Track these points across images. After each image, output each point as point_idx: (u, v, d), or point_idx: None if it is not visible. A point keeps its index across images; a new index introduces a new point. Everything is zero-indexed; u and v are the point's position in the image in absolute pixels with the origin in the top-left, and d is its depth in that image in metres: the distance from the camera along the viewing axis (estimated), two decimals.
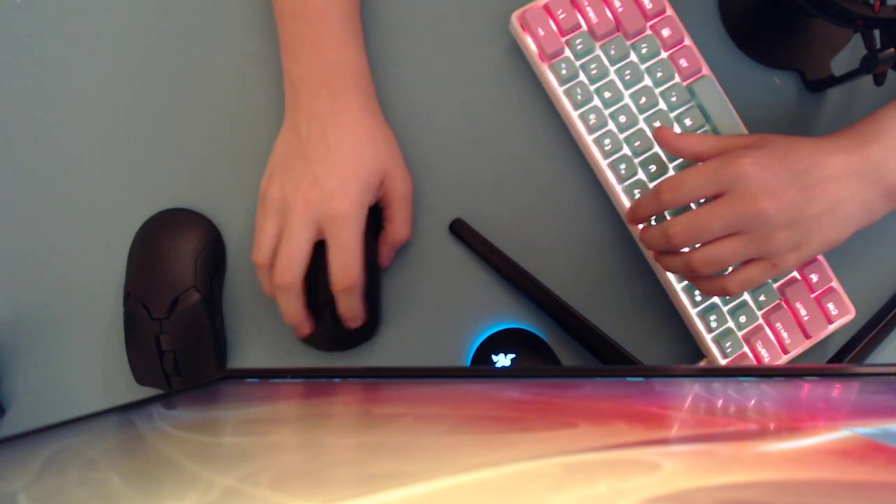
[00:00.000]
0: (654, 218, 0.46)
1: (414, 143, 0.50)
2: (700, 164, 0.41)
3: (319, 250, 0.44)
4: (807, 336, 0.47)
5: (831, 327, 0.48)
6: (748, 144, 0.41)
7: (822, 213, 0.39)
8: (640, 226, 0.47)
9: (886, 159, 0.40)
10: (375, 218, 0.47)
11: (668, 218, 0.47)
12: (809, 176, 0.39)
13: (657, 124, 0.48)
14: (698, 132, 0.48)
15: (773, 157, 0.39)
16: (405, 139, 0.50)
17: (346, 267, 0.43)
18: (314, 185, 0.43)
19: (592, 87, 0.48)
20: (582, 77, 0.48)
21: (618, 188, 0.48)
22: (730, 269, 0.42)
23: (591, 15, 0.48)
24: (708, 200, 0.40)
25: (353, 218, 0.43)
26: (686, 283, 0.47)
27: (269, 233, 0.44)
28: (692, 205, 0.45)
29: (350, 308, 0.45)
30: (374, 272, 0.47)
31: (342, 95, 0.45)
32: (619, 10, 0.48)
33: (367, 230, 0.45)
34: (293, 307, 0.45)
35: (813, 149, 0.40)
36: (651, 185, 0.48)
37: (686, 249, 0.42)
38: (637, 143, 0.48)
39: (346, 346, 0.49)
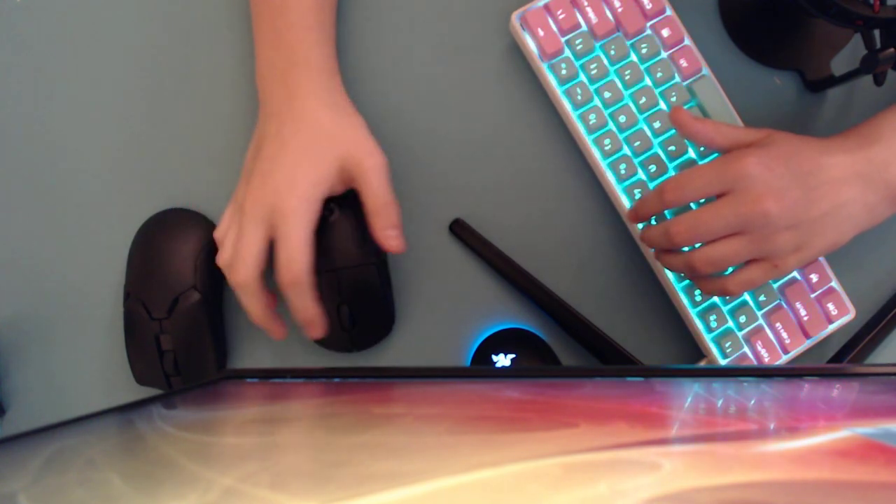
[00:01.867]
0: (654, 217, 0.46)
1: (414, 143, 0.50)
2: (703, 163, 0.41)
3: (326, 253, 0.44)
4: (807, 336, 0.47)
5: (831, 327, 0.48)
6: (757, 139, 0.41)
7: (825, 214, 0.39)
8: (641, 225, 0.47)
9: (890, 162, 0.40)
10: (360, 211, 0.45)
11: (669, 217, 0.47)
12: (813, 178, 0.39)
13: (657, 124, 0.48)
14: None
15: (778, 158, 0.39)
16: (405, 139, 0.50)
17: (289, 261, 0.42)
18: (263, 182, 0.43)
19: (592, 87, 0.48)
20: (582, 77, 0.48)
21: (618, 188, 0.48)
22: (730, 269, 0.42)
23: (591, 15, 0.48)
24: (709, 200, 0.40)
25: (297, 211, 0.42)
26: (686, 283, 0.47)
27: (229, 233, 0.44)
28: (691, 204, 0.45)
29: (302, 309, 0.43)
30: (381, 268, 0.47)
31: (297, 91, 0.44)
32: (619, 10, 0.48)
33: (357, 228, 0.45)
34: (253, 305, 0.43)
35: (818, 150, 0.40)
36: (651, 186, 0.48)
37: (686, 249, 0.42)
38: (637, 143, 0.48)
39: (361, 346, 0.49)
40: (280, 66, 0.44)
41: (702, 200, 0.42)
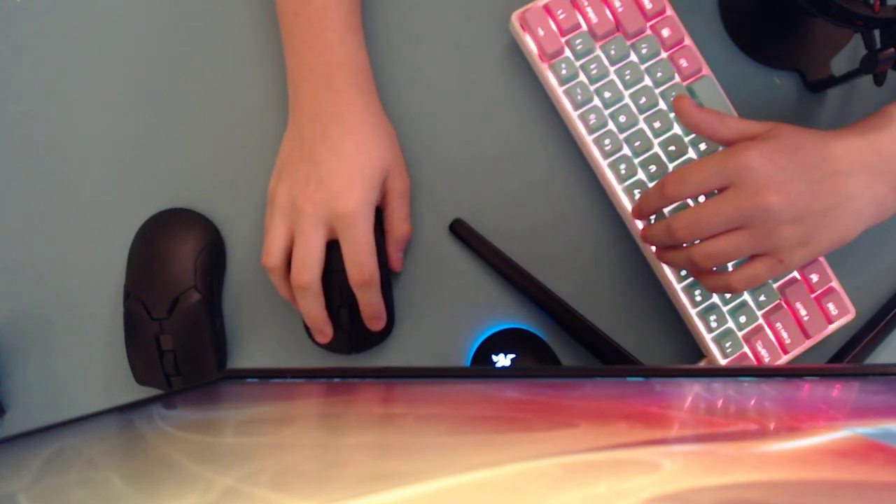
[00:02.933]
0: (654, 216, 0.46)
1: (414, 143, 0.50)
2: (704, 157, 0.41)
3: (332, 253, 0.44)
4: (807, 336, 0.47)
5: (831, 327, 0.48)
6: (762, 132, 0.40)
7: (831, 208, 0.38)
8: (641, 224, 0.47)
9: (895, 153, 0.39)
10: (377, 219, 0.47)
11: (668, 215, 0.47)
12: (818, 170, 0.38)
13: (657, 124, 0.48)
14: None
15: (781, 151, 0.38)
16: (405, 139, 0.50)
17: (361, 264, 0.43)
18: (320, 186, 0.43)
19: (592, 87, 0.48)
20: (582, 77, 0.48)
21: (618, 188, 0.48)
22: (731, 265, 0.42)
23: (591, 15, 0.48)
24: (712, 195, 0.40)
25: (361, 215, 0.43)
26: (686, 283, 0.47)
27: (279, 235, 0.44)
28: (689, 201, 0.45)
29: (371, 305, 0.45)
30: (384, 272, 0.47)
31: (344, 94, 0.45)
32: (619, 10, 0.48)
33: (376, 230, 0.45)
34: (314, 308, 0.45)
35: (823, 142, 0.39)
36: (651, 185, 0.48)
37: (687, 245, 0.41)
38: (637, 143, 0.48)
39: (363, 348, 0.49)
40: (320, 68, 0.45)
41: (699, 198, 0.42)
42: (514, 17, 0.49)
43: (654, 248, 0.46)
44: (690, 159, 0.48)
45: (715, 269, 0.42)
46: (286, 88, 0.51)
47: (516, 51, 0.51)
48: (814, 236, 0.39)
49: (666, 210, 0.47)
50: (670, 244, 0.41)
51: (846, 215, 0.39)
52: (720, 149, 0.47)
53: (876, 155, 0.39)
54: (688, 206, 0.47)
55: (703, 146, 0.48)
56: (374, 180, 0.44)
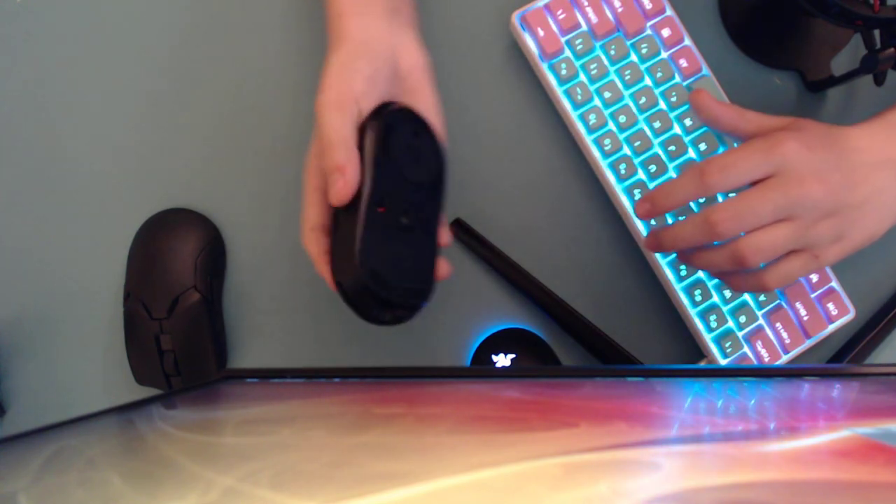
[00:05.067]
0: (666, 215, 0.44)
1: None
2: (743, 145, 0.38)
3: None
4: (807, 336, 0.47)
5: (831, 327, 0.48)
6: (786, 125, 0.39)
7: (865, 200, 0.38)
8: (643, 224, 0.47)
9: None
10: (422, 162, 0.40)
11: (671, 217, 0.47)
12: (850, 161, 0.38)
13: (657, 124, 0.48)
14: (700, 132, 0.48)
15: (816, 140, 0.37)
16: None
17: (326, 148, 0.37)
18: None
19: (592, 87, 0.48)
20: (582, 77, 0.48)
21: (618, 188, 0.48)
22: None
23: (591, 15, 0.48)
24: (727, 193, 0.39)
25: (330, 104, 0.38)
26: (686, 283, 0.47)
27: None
28: (688, 205, 0.45)
29: (335, 187, 0.37)
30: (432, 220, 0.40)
31: (342, 9, 0.41)
32: (619, 10, 0.48)
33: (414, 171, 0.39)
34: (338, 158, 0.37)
35: (847, 135, 0.39)
36: (651, 186, 0.48)
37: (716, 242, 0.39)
38: (637, 143, 0.48)
39: (394, 308, 0.38)
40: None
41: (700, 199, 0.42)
42: (514, 17, 0.49)
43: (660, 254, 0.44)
44: (691, 159, 0.48)
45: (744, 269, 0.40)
46: (286, 88, 0.51)
47: (516, 51, 0.51)
48: (848, 231, 0.38)
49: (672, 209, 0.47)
50: (705, 241, 0.38)
51: (877, 209, 0.38)
52: (735, 144, 0.46)
53: None
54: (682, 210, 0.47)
55: (703, 146, 0.48)
56: (369, 65, 0.39)
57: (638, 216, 0.42)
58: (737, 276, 0.41)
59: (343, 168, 0.36)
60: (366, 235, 0.36)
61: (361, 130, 0.38)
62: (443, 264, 0.41)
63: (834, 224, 0.37)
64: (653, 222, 0.47)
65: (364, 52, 0.39)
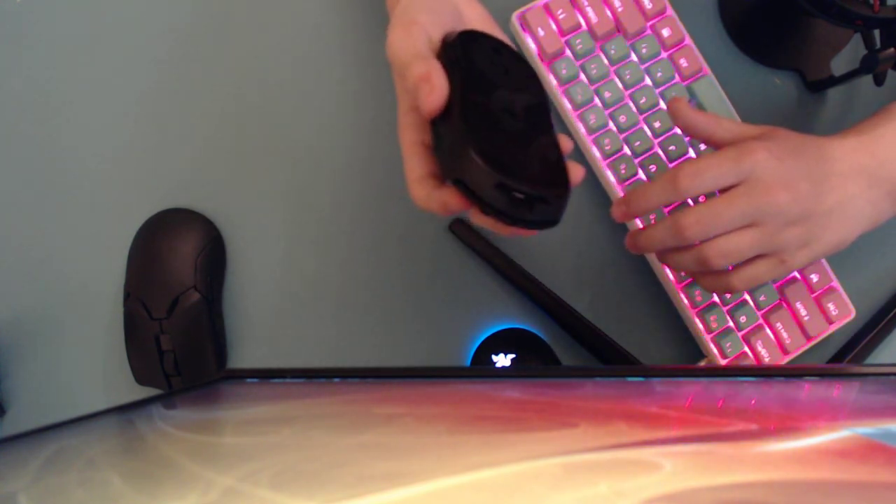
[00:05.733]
0: (643, 217, 0.45)
1: None
2: (715, 152, 0.39)
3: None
4: (807, 336, 0.47)
5: (831, 327, 0.48)
6: (759, 134, 0.40)
7: (833, 209, 0.39)
8: (634, 222, 0.47)
9: (891, 158, 0.40)
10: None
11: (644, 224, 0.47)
12: (820, 170, 0.39)
13: (657, 124, 0.48)
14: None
15: (786, 150, 0.39)
16: None
17: (405, 69, 0.35)
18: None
19: (592, 87, 0.48)
20: (582, 77, 0.48)
21: (618, 188, 0.48)
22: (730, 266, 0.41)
23: (591, 15, 0.48)
24: (709, 196, 0.40)
25: (398, 36, 0.36)
26: (686, 283, 0.47)
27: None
28: (689, 200, 0.45)
29: (423, 96, 0.35)
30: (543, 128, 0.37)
31: None
32: (619, 10, 0.48)
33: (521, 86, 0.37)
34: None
35: (821, 144, 0.40)
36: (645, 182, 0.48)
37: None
38: (637, 143, 0.48)
39: (534, 202, 0.34)
40: None
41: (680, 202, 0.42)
42: (514, 17, 0.49)
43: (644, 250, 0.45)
44: (691, 159, 0.48)
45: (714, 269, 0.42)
46: (287, 88, 0.51)
47: None
48: (815, 237, 0.39)
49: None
50: (674, 244, 0.40)
51: (845, 217, 0.39)
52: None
53: (871, 158, 0.40)
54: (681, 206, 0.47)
55: (703, 146, 0.48)
56: (428, 13, 0.37)
57: (614, 218, 0.42)
58: (706, 276, 0.42)
59: (426, 76, 0.34)
60: (471, 124, 0.33)
61: (440, 54, 0.36)
62: (575, 168, 0.38)
63: (801, 231, 0.39)
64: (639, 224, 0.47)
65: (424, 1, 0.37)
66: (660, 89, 0.48)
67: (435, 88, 0.34)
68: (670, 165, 0.48)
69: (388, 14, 0.41)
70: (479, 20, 0.40)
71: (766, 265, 0.40)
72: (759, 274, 0.40)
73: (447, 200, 0.36)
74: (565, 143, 0.38)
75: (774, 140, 0.39)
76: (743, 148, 0.38)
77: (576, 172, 0.37)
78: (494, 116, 0.34)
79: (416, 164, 0.37)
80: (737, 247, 0.38)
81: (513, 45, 0.39)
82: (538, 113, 0.37)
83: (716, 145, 0.42)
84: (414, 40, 0.36)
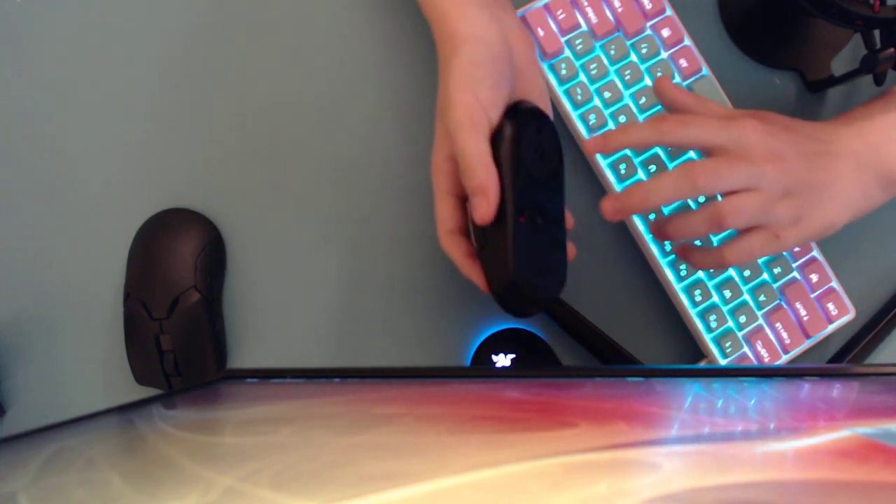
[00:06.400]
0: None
1: (414, 142, 0.50)
2: (703, 115, 0.40)
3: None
4: (807, 336, 0.47)
5: (831, 327, 0.48)
6: (747, 114, 0.40)
7: (825, 185, 0.39)
8: (597, 153, 0.46)
9: (881, 143, 0.40)
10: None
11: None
12: (811, 147, 0.39)
13: None
14: None
15: (777, 126, 0.39)
16: (405, 138, 0.50)
17: (467, 170, 0.37)
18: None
19: (592, 87, 0.48)
20: (582, 77, 0.48)
21: (618, 188, 0.48)
22: (716, 241, 0.41)
23: (591, 15, 0.48)
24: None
25: (463, 123, 0.37)
26: (686, 283, 0.47)
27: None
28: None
29: (480, 209, 0.37)
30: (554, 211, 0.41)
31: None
32: (619, 10, 0.48)
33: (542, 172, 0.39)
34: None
35: (812, 125, 0.41)
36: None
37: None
38: None
39: (539, 302, 0.40)
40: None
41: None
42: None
43: (655, 224, 0.44)
44: (690, 159, 0.48)
45: (700, 244, 0.42)
46: (287, 88, 0.51)
47: None
48: (806, 214, 0.39)
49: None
50: (687, 193, 0.39)
51: (835, 197, 0.39)
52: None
53: (862, 142, 0.40)
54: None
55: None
56: (487, 69, 0.38)
57: (587, 150, 0.43)
58: (697, 252, 0.42)
59: (485, 189, 0.37)
60: (516, 247, 0.37)
61: (494, 141, 0.38)
62: (570, 248, 0.42)
63: (792, 205, 0.38)
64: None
65: (483, 56, 0.38)
66: None
67: (491, 204, 0.37)
68: (670, 165, 0.48)
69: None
70: (524, 57, 0.40)
71: (759, 239, 0.39)
72: (753, 248, 0.39)
73: (469, 271, 0.40)
74: (569, 222, 0.42)
75: (764, 117, 0.40)
76: (733, 116, 0.39)
77: (571, 253, 0.42)
78: (529, 228, 0.38)
79: (448, 217, 0.40)
80: (749, 205, 0.38)
81: (550, 113, 0.41)
82: (558, 201, 0.41)
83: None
84: (479, 138, 0.37)
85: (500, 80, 0.38)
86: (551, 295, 0.40)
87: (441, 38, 0.40)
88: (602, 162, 0.48)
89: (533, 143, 0.39)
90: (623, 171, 0.48)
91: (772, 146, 0.38)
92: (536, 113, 0.40)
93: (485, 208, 0.37)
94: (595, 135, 0.42)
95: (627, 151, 0.48)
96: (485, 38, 0.38)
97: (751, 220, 0.38)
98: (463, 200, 0.40)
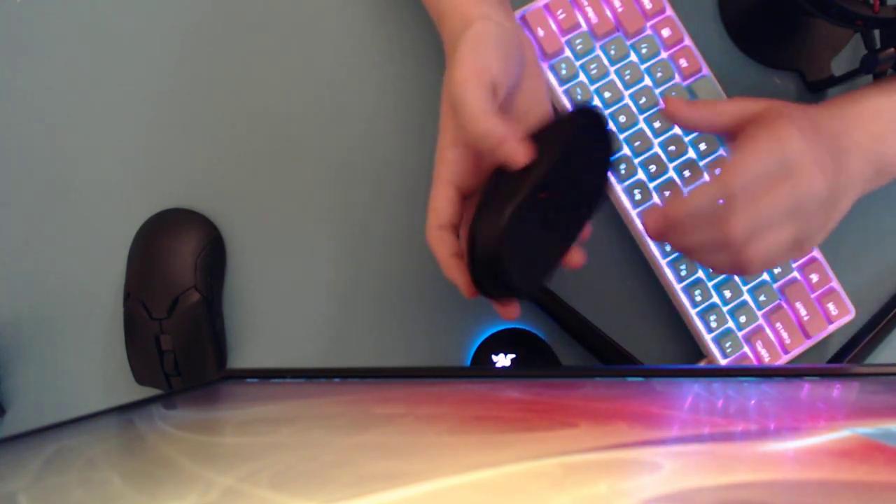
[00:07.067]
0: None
1: (414, 142, 0.50)
2: (749, 146, 0.36)
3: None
4: (807, 336, 0.47)
5: (831, 327, 0.48)
6: (760, 111, 0.39)
7: (846, 187, 0.38)
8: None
9: (887, 134, 0.40)
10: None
11: None
12: (835, 145, 0.38)
13: (657, 124, 0.48)
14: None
15: (810, 127, 0.37)
16: (405, 138, 0.50)
17: (469, 119, 0.35)
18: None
19: (592, 87, 0.48)
20: (582, 77, 0.48)
21: (618, 188, 0.48)
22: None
23: (591, 15, 0.48)
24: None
25: (467, 80, 0.35)
26: (686, 283, 0.47)
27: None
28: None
29: (513, 153, 0.35)
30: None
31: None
32: (619, 10, 0.48)
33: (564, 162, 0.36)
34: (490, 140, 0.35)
35: (829, 118, 0.39)
36: (651, 185, 0.48)
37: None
38: (637, 144, 0.48)
39: (500, 287, 0.37)
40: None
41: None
42: (515, 18, 0.49)
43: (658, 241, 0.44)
44: (690, 159, 0.48)
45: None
46: (288, 88, 0.51)
47: None
48: (831, 218, 0.38)
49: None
50: (713, 241, 0.37)
51: (850, 195, 0.39)
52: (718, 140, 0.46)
53: (867, 134, 0.39)
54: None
55: (703, 146, 0.48)
56: (490, 58, 0.36)
57: (648, 232, 0.40)
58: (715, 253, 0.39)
59: (503, 139, 0.34)
60: (520, 209, 0.34)
61: (556, 120, 0.37)
62: (577, 254, 0.39)
63: (824, 213, 0.37)
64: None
65: (496, 32, 0.37)
66: (660, 89, 0.48)
67: (518, 147, 0.34)
68: (670, 165, 0.48)
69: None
70: (533, 60, 0.40)
71: (788, 251, 0.38)
72: (779, 258, 0.38)
73: (452, 272, 0.37)
74: (585, 233, 0.39)
75: (795, 118, 0.37)
76: (778, 136, 0.36)
77: (576, 259, 0.39)
78: (542, 210, 0.35)
79: (443, 209, 0.37)
80: (777, 250, 0.37)
81: (615, 136, 0.40)
82: (581, 216, 0.39)
83: (720, 133, 0.41)
84: (482, 94, 0.35)
85: (509, 56, 0.37)
86: (516, 286, 0.36)
87: (451, 24, 0.39)
88: None
89: (590, 144, 0.38)
90: (623, 171, 0.48)
91: (816, 155, 0.36)
92: (606, 127, 0.39)
93: (512, 149, 0.34)
94: (654, 214, 0.38)
95: (626, 151, 0.48)
96: (498, 21, 0.37)
97: (777, 263, 0.38)
98: (462, 195, 0.38)
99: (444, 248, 0.37)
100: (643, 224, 0.40)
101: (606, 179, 0.40)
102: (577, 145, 0.37)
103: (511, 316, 0.38)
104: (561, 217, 0.37)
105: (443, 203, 0.37)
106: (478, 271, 0.35)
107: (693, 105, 0.40)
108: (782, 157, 0.36)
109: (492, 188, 0.36)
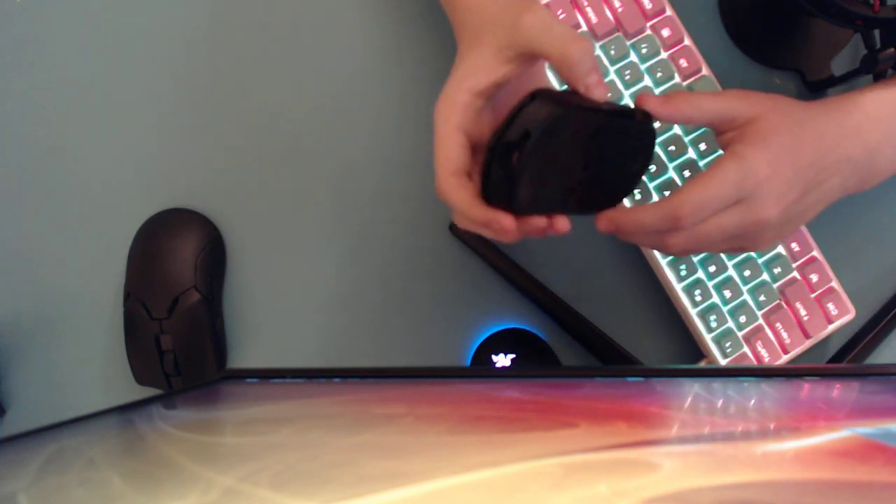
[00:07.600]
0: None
1: (413, 142, 0.50)
2: (717, 176, 0.36)
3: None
4: (807, 336, 0.47)
5: (831, 327, 0.48)
6: (747, 117, 0.38)
7: (812, 206, 0.39)
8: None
9: (880, 148, 0.40)
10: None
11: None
12: (811, 173, 0.38)
13: (657, 124, 0.48)
14: (699, 132, 0.48)
15: (786, 158, 0.37)
16: (405, 138, 0.50)
17: (560, 36, 0.34)
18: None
19: None
20: None
21: None
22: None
23: (591, 15, 0.48)
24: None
25: (441, 112, 0.36)
26: (686, 283, 0.47)
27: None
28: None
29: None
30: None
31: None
32: (619, 10, 0.48)
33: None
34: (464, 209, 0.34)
35: (818, 133, 0.38)
36: (651, 185, 0.48)
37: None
38: None
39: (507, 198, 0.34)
40: None
41: None
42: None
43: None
44: (691, 159, 0.48)
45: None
46: (288, 88, 0.51)
47: None
48: (782, 236, 0.40)
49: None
50: (653, 245, 0.40)
51: (815, 209, 0.40)
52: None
53: (860, 147, 0.39)
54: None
55: (703, 146, 0.48)
56: (470, 69, 0.36)
57: (599, 227, 0.40)
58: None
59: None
60: (567, 120, 0.32)
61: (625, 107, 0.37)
62: (563, 221, 0.38)
63: (774, 233, 0.38)
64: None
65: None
66: (660, 89, 0.48)
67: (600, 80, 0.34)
68: (670, 166, 0.48)
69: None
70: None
71: (725, 247, 0.39)
72: (712, 249, 0.40)
73: (477, 212, 0.34)
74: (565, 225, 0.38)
75: (780, 131, 0.37)
76: (743, 167, 0.36)
77: (562, 225, 0.37)
78: (574, 165, 0.35)
79: (455, 155, 0.35)
80: (712, 250, 0.39)
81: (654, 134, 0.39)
82: (608, 194, 0.39)
83: (700, 126, 0.42)
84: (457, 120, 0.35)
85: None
86: (514, 200, 0.33)
87: (462, 17, 0.39)
88: None
89: (635, 135, 0.37)
90: None
91: (777, 189, 0.36)
92: (650, 120, 0.38)
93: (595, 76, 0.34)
94: (607, 217, 0.39)
95: None
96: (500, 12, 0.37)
97: (708, 249, 0.39)
98: (473, 144, 0.36)
99: (464, 191, 0.34)
100: (595, 220, 0.40)
101: (640, 177, 0.40)
102: (628, 127, 0.37)
103: (507, 237, 0.35)
104: (587, 181, 0.36)
105: (455, 150, 0.35)
106: (501, 148, 0.32)
107: (669, 100, 0.38)
108: (740, 188, 0.36)
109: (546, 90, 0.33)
